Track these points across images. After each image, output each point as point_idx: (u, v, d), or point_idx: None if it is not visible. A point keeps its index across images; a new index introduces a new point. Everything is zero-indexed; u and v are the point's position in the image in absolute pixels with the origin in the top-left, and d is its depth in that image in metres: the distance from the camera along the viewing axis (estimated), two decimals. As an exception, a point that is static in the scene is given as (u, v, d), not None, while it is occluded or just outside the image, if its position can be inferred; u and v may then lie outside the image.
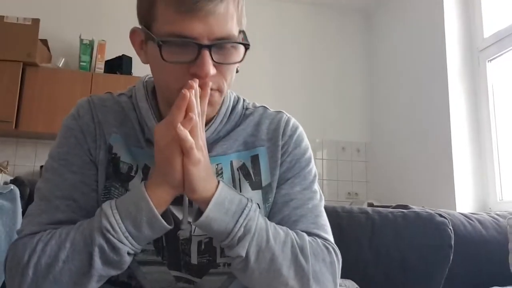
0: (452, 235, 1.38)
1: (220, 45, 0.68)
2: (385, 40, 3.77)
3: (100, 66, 3.21)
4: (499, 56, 2.72)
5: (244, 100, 0.88)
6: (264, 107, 0.88)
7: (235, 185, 0.80)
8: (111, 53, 3.20)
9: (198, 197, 0.68)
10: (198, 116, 0.66)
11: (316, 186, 0.84)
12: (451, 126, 2.81)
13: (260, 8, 3.87)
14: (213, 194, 0.67)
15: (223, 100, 0.80)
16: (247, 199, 0.71)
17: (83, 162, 0.77)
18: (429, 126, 3.04)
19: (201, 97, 0.67)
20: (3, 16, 3.01)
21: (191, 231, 0.78)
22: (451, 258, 1.36)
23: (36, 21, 3.04)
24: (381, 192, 3.61)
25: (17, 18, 3.03)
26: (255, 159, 0.81)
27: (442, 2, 2.98)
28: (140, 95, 0.79)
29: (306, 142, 0.86)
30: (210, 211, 0.67)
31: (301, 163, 0.82)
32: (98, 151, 0.77)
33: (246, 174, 0.80)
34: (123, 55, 3.17)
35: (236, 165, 0.80)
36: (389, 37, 3.71)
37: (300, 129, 0.86)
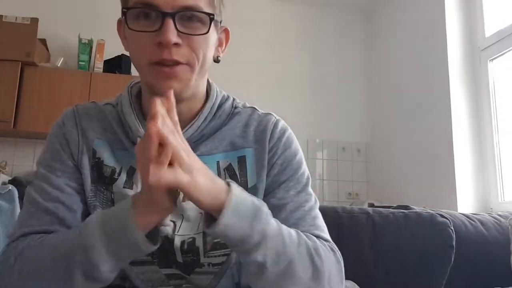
0: (454, 236, 1.37)
1: (185, 15, 0.69)
2: (385, 39, 3.76)
3: (99, 66, 3.20)
4: (500, 55, 2.71)
5: (234, 99, 0.88)
6: (254, 108, 0.88)
7: None
8: (110, 53, 3.19)
9: (207, 207, 0.64)
10: (174, 124, 0.61)
11: (310, 189, 0.83)
12: (452, 126, 2.80)
13: (260, 8, 3.87)
14: (224, 200, 0.63)
15: (209, 97, 0.81)
16: (258, 200, 0.69)
17: (67, 166, 0.79)
18: (430, 126, 3.03)
19: (168, 110, 0.61)
20: (2, 16, 3.00)
21: (174, 230, 0.78)
22: (453, 258, 1.36)
23: (34, 21, 3.03)
24: (381, 193, 3.60)
25: (16, 17, 3.02)
26: (242, 160, 0.81)
27: (443, 1, 2.97)
28: (125, 100, 0.81)
29: (296, 144, 0.85)
30: (225, 219, 0.63)
31: (293, 165, 0.82)
32: (81, 156, 0.79)
33: (232, 175, 0.80)
34: (122, 54, 3.16)
35: (222, 165, 0.80)
36: (390, 37, 3.69)
37: (289, 131, 0.86)
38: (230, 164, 0.81)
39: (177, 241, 0.78)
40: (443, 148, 2.86)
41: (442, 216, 1.41)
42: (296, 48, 3.89)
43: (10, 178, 1.71)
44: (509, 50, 2.64)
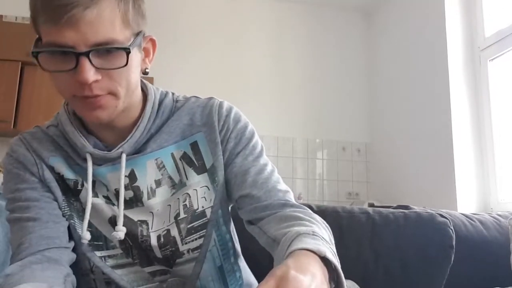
0: (453, 236, 1.37)
1: (98, 50, 0.67)
2: (386, 39, 3.76)
3: (99, 66, 3.20)
4: (500, 55, 2.71)
5: (173, 94, 0.89)
6: (195, 96, 0.90)
7: (180, 174, 0.83)
8: (110, 53, 3.19)
9: None
10: None
11: (266, 158, 0.87)
12: (453, 126, 2.80)
13: (260, 8, 3.87)
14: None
15: (147, 99, 0.82)
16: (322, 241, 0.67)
17: (33, 182, 0.80)
18: (430, 126, 3.03)
19: None
20: (2, 16, 3.01)
21: (147, 228, 0.80)
22: (452, 258, 1.35)
23: (35, 21, 3.03)
24: (381, 192, 3.60)
25: (16, 17, 3.02)
26: (194, 145, 0.84)
27: (443, 1, 2.97)
28: (64, 119, 0.81)
29: (244, 118, 0.89)
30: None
31: (246, 135, 0.86)
32: (42, 172, 0.81)
33: (189, 161, 0.83)
34: (122, 54, 3.16)
35: (177, 155, 0.83)
36: (390, 37, 3.69)
37: (235, 109, 0.89)
38: (184, 153, 0.83)
39: (153, 237, 0.81)
40: (443, 148, 2.86)
41: (442, 216, 1.41)
42: (296, 48, 3.89)
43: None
44: (509, 50, 2.64)
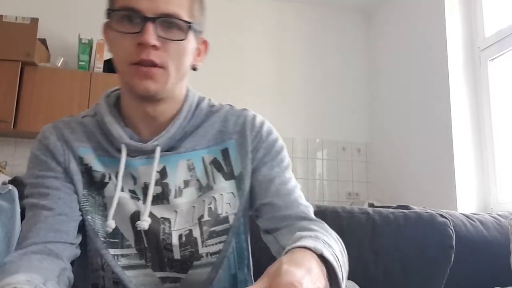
0: (453, 236, 1.37)
1: (165, 21, 0.74)
2: (385, 39, 3.75)
3: (99, 66, 3.20)
4: (500, 55, 2.71)
5: (209, 100, 0.92)
6: (230, 105, 0.93)
7: (209, 177, 0.84)
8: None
9: None
10: None
11: (291, 174, 0.89)
12: (452, 126, 2.80)
13: (260, 8, 3.86)
14: None
15: (186, 97, 0.86)
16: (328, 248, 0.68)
17: (58, 172, 0.81)
18: (430, 126, 3.03)
19: None
20: (2, 16, 3.00)
21: (170, 226, 0.81)
22: (452, 258, 1.35)
23: (34, 21, 3.03)
24: (381, 193, 3.60)
25: (16, 17, 3.02)
26: (225, 152, 0.86)
27: (443, 1, 2.97)
28: (103, 109, 0.84)
29: (276, 132, 0.91)
30: None
31: (276, 147, 0.88)
32: (68, 164, 0.82)
33: (218, 167, 0.85)
34: (122, 54, 3.16)
35: (207, 160, 0.85)
36: (390, 37, 3.69)
37: (268, 122, 0.91)
38: (215, 158, 0.85)
39: (175, 236, 0.81)
40: (443, 148, 2.86)
41: (442, 216, 1.41)
42: (296, 48, 3.88)
43: (10, 178, 1.71)
44: (509, 50, 2.64)
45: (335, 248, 0.67)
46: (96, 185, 0.82)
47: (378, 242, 1.37)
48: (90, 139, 0.84)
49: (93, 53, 3.25)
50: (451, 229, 1.38)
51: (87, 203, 0.82)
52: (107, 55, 3.21)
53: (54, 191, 0.79)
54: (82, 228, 0.82)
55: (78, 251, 0.81)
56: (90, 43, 3.25)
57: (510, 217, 1.60)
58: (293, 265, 0.53)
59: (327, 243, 0.65)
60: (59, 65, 3.21)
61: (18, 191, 1.51)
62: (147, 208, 0.79)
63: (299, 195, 0.86)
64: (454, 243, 1.36)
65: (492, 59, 2.77)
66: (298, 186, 0.88)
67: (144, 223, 0.78)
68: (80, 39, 3.23)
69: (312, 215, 0.83)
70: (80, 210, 0.81)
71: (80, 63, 3.22)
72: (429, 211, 1.46)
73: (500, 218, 1.66)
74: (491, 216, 1.67)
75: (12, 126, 2.94)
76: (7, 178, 2.09)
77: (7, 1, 3.29)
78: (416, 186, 3.14)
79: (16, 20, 3.01)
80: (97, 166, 0.82)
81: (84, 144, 0.83)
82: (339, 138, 3.83)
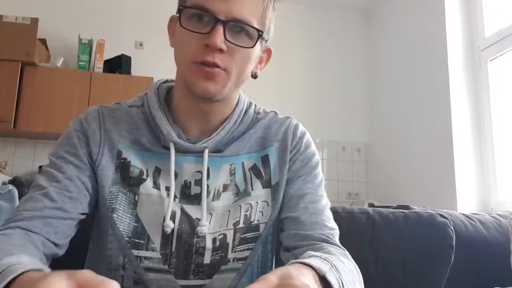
0: (453, 236, 1.37)
1: (235, 25, 0.73)
2: (385, 40, 3.76)
3: (99, 66, 3.20)
4: (500, 55, 2.71)
5: (255, 105, 0.92)
6: (274, 112, 0.93)
7: (247, 183, 0.83)
8: (110, 53, 3.18)
9: None
10: None
11: (324, 191, 0.88)
12: (452, 126, 2.80)
13: (260, 8, 3.86)
14: None
15: (238, 101, 0.86)
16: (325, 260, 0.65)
17: (81, 162, 0.78)
18: (430, 126, 3.03)
19: None
20: (2, 16, 3.01)
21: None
22: (452, 258, 1.35)
23: (34, 21, 3.03)
24: (381, 193, 3.60)
25: (16, 17, 3.02)
26: (265, 159, 0.86)
27: (443, 1, 2.97)
28: (153, 103, 0.82)
29: (314, 146, 0.91)
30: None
31: (312, 163, 0.88)
32: (101, 157, 0.79)
33: (258, 173, 0.85)
34: (122, 54, 3.15)
35: (247, 165, 0.84)
36: (389, 37, 3.69)
37: (308, 134, 0.91)
38: (254, 164, 0.85)
39: (209, 239, 0.80)
40: (443, 148, 2.86)
41: (442, 216, 1.41)
42: (296, 48, 3.89)
43: (10, 178, 1.70)
44: (508, 50, 2.64)
45: (343, 275, 0.63)
46: (130, 181, 0.79)
47: (378, 242, 1.37)
48: (132, 132, 0.81)
49: (93, 53, 3.25)
50: (451, 229, 1.38)
51: (113, 200, 0.78)
52: (107, 55, 3.21)
53: (66, 180, 0.76)
54: (101, 225, 0.79)
55: (56, 252, 0.75)
56: (90, 43, 3.25)
57: (510, 217, 1.59)
58: (300, 275, 0.51)
59: (335, 267, 0.62)
60: (59, 65, 3.21)
61: (18, 191, 1.51)
62: (203, 214, 0.78)
63: (327, 216, 0.83)
64: (454, 243, 1.36)
65: (492, 59, 2.77)
66: (328, 205, 0.86)
67: (204, 228, 0.77)
68: (80, 39, 3.23)
69: (335, 239, 0.81)
70: (102, 207, 0.78)
71: (80, 63, 3.22)
72: (429, 211, 1.46)
73: (500, 218, 1.66)
74: (491, 216, 1.67)
75: (12, 126, 2.94)
76: (7, 178, 2.09)
77: (7, 1, 3.29)
78: (416, 186, 3.14)
79: (16, 20, 3.01)
80: (136, 162, 0.80)
81: (125, 138, 0.81)
82: (339, 138, 3.83)
